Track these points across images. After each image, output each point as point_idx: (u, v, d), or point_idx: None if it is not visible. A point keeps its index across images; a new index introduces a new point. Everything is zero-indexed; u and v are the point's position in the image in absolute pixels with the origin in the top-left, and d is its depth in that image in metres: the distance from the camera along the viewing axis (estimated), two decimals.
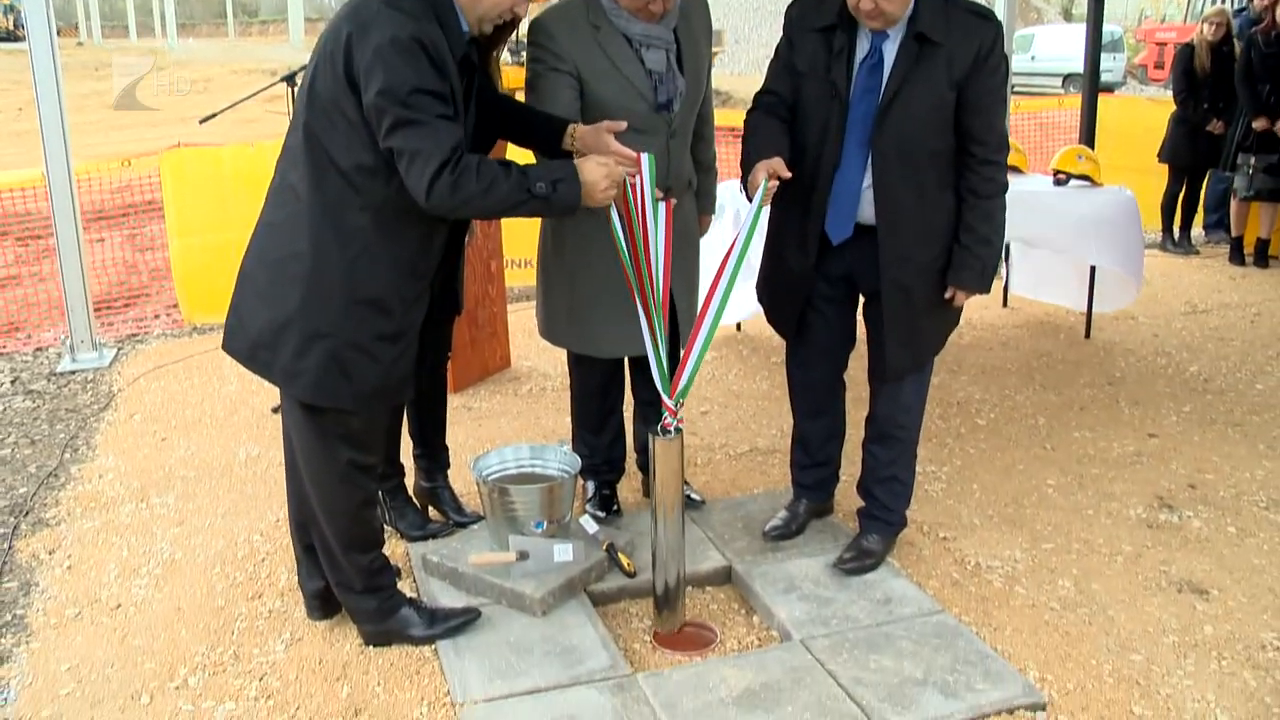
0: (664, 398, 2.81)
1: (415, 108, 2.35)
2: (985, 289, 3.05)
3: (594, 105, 3.04)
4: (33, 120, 5.29)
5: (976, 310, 6.01)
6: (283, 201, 2.58)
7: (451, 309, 3.27)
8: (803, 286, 3.11)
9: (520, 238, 5.43)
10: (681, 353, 2.82)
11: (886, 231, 2.95)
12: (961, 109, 2.89)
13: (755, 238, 2.81)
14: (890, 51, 2.89)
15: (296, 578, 3.02)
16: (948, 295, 3.02)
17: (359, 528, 2.79)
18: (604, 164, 2.61)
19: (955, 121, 2.90)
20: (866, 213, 2.98)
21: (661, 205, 2.75)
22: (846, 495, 3.60)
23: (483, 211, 2.59)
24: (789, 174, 2.83)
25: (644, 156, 2.72)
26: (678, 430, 2.82)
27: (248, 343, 2.62)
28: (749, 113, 3.06)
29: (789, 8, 3.04)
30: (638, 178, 2.71)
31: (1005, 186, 2.99)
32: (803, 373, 3.29)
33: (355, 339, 2.55)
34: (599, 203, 2.62)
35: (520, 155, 2.93)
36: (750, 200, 2.84)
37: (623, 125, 2.80)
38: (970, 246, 2.96)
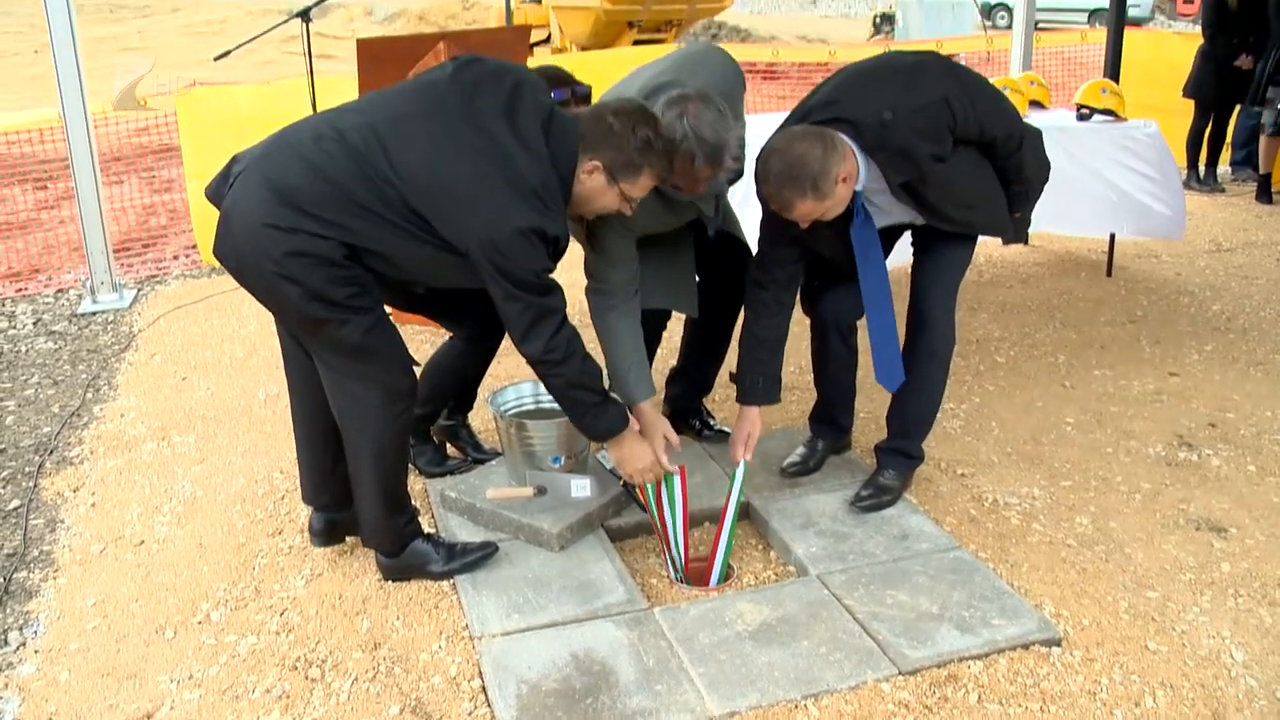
0: None
1: (544, 277, 2.58)
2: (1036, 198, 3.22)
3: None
4: (48, 63, 5.27)
5: (996, 248, 5.95)
6: (345, 170, 2.51)
7: None
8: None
9: None
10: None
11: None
12: (973, 143, 2.92)
13: None
14: (880, 200, 2.93)
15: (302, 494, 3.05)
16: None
17: (391, 447, 2.78)
18: (651, 458, 2.90)
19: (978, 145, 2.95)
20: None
21: (675, 479, 2.95)
22: (864, 432, 3.60)
23: (567, 376, 2.70)
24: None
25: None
26: None
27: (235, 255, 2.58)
28: (750, 284, 3.08)
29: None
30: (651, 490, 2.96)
31: (1019, 151, 2.99)
32: (819, 342, 3.33)
33: (324, 292, 2.51)
34: (617, 462, 2.90)
35: None
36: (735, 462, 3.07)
37: (678, 446, 3.03)
38: (1011, 196, 3.09)
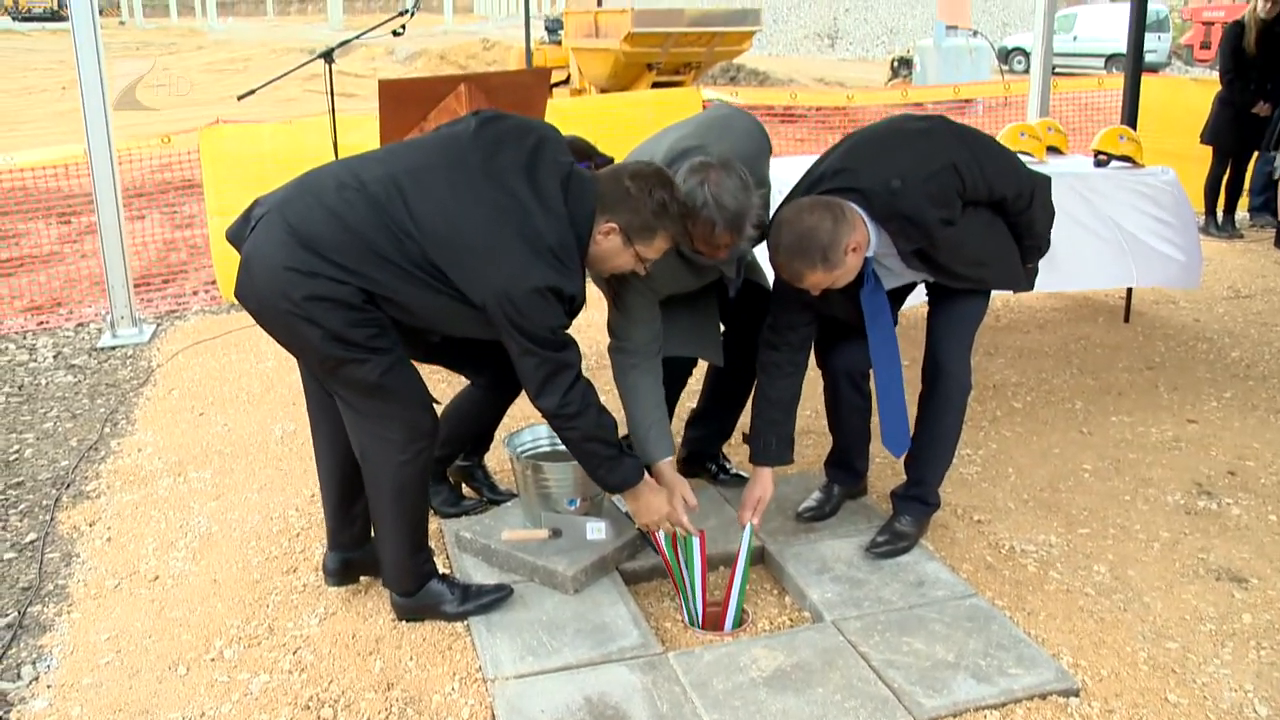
0: None
1: (559, 333, 2.61)
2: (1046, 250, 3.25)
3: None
4: (75, 99, 5.35)
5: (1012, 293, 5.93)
6: (367, 221, 2.54)
7: None
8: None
9: None
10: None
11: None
12: (987, 203, 2.95)
13: None
14: (891, 263, 2.97)
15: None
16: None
17: (411, 488, 2.79)
18: (667, 508, 2.90)
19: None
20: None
21: (695, 541, 2.93)
22: (880, 478, 3.58)
23: (582, 430, 2.72)
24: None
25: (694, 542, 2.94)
26: None
27: (256, 299, 2.60)
28: (763, 346, 3.09)
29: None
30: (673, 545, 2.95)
31: (1030, 207, 3.03)
32: (831, 391, 3.33)
33: (343, 333, 2.54)
34: (633, 513, 2.93)
35: None
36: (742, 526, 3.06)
37: (695, 506, 3.01)
38: (1023, 251, 3.14)
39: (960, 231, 2.88)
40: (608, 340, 3.15)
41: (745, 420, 3.25)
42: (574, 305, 2.61)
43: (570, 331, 2.66)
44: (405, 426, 2.68)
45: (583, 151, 3.15)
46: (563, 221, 2.57)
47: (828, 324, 3.14)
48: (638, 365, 3.09)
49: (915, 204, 2.80)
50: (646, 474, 2.90)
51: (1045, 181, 3.09)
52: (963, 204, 2.86)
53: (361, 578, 3.05)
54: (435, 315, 2.63)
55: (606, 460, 2.78)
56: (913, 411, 3.19)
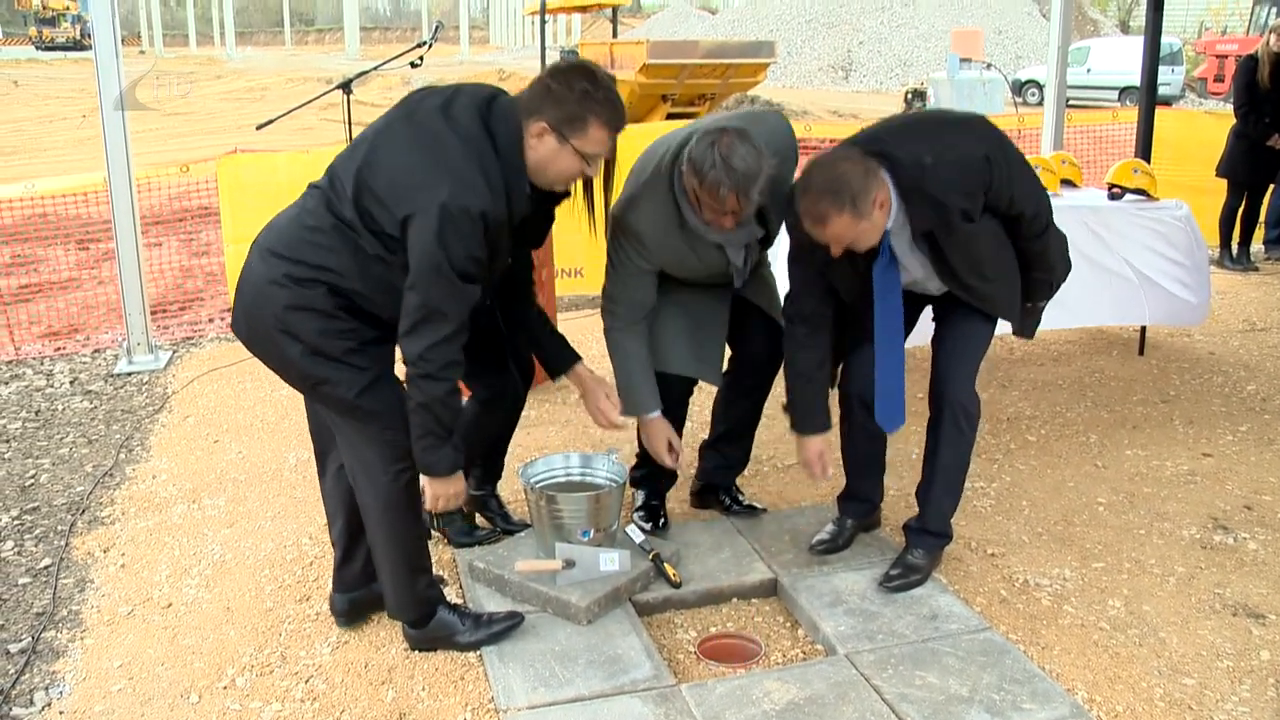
0: None
1: (460, 272, 2.50)
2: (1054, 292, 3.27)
3: (673, 279, 3.21)
4: (96, 127, 5.39)
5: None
6: (319, 223, 2.63)
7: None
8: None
9: (571, 247, 5.47)
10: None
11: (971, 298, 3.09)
12: (1001, 215, 2.97)
13: None
14: (899, 248, 2.97)
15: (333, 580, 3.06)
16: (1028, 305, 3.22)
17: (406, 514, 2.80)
18: (452, 500, 2.77)
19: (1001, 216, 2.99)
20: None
21: None
22: (893, 510, 3.57)
23: (430, 394, 2.58)
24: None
25: None
26: None
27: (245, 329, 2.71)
28: (787, 325, 3.14)
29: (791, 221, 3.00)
30: None
31: (1044, 235, 3.05)
32: (844, 410, 3.33)
33: (320, 345, 2.60)
34: (427, 491, 2.74)
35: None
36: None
37: (681, 449, 3.26)
38: (1032, 284, 3.16)
39: (973, 232, 2.90)
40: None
41: (763, 439, 3.26)
42: (493, 230, 2.54)
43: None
44: (385, 446, 2.70)
45: None
46: (480, 142, 2.56)
47: (846, 331, 3.17)
48: (621, 328, 3.21)
49: (942, 184, 2.81)
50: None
51: (1062, 236, 3.13)
52: (984, 205, 2.87)
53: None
54: (393, 291, 2.60)
55: (431, 435, 2.64)
56: (921, 444, 3.19)
